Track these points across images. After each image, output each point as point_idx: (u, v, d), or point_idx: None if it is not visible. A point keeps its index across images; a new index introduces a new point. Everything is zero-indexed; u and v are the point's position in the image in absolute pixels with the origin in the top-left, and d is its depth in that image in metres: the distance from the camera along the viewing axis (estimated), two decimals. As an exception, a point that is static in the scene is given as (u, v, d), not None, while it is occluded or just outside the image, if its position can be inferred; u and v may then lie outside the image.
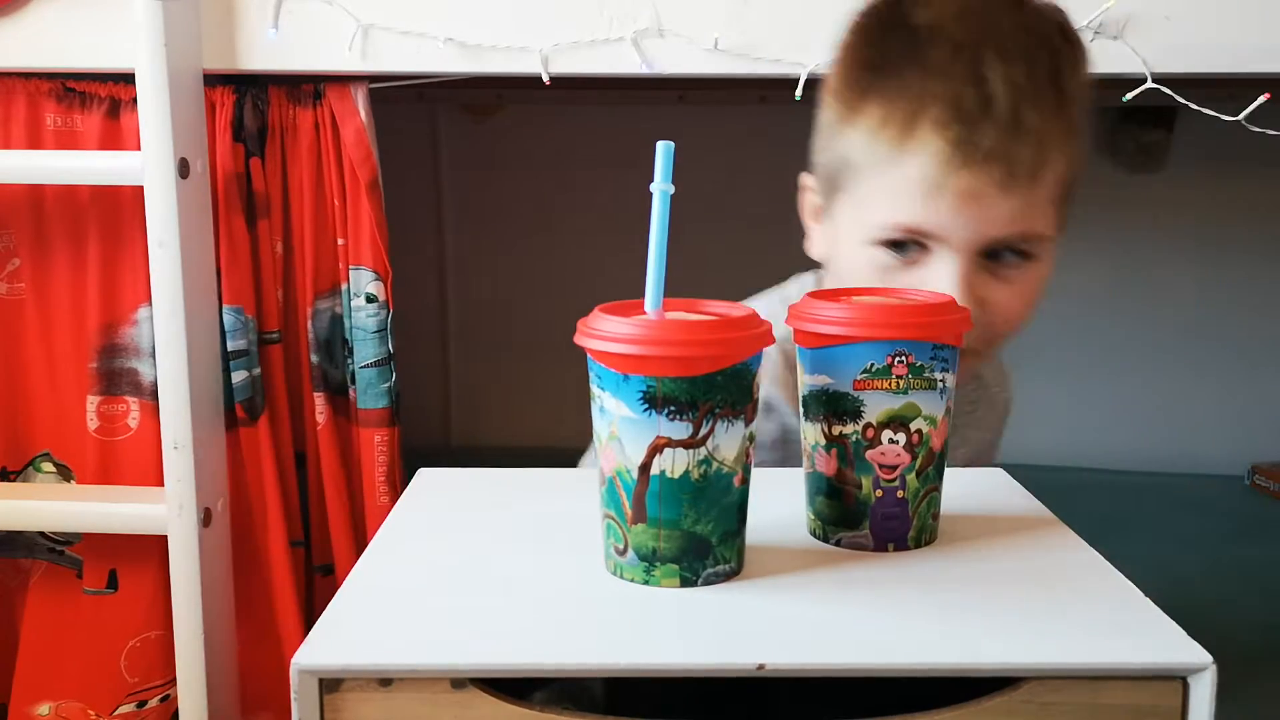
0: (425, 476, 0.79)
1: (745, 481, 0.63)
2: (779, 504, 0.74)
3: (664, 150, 0.62)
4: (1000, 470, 0.83)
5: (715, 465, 0.60)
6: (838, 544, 0.67)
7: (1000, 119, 0.83)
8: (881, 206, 0.87)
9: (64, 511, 1.35)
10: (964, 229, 0.85)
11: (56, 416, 1.45)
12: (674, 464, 0.60)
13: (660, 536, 0.61)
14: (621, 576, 0.62)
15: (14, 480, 1.47)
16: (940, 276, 0.86)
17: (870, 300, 0.70)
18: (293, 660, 0.51)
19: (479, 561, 0.65)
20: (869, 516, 0.66)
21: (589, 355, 0.61)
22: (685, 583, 0.61)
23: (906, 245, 0.87)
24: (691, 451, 0.59)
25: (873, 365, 0.65)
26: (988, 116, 0.83)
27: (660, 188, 0.61)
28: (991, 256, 0.88)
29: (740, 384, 0.60)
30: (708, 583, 0.62)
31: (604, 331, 0.60)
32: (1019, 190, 0.84)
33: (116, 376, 1.41)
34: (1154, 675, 0.52)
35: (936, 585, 0.62)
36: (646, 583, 0.61)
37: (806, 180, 0.99)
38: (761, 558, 0.65)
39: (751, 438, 0.62)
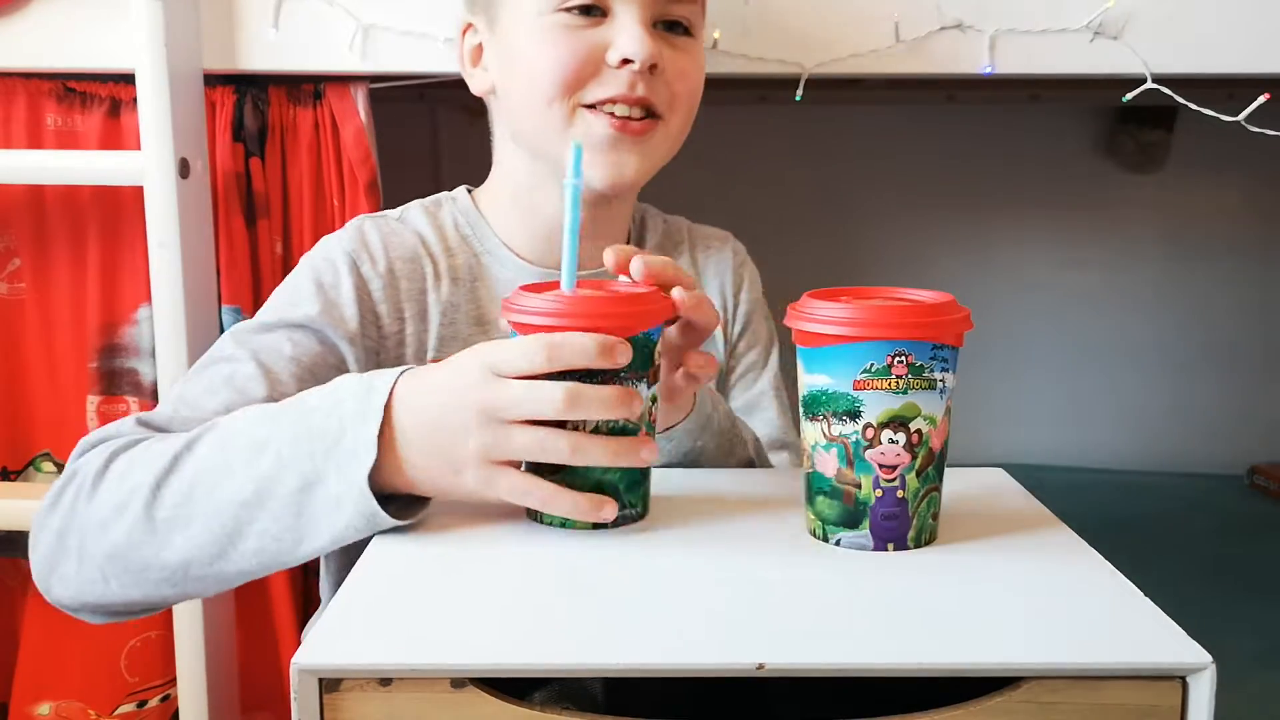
0: None
1: (650, 436, 0.71)
2: (778, 503, 0.74)
3: (575, 149, 0.69)
4: (1000, 470, 0.83)
5: (621, 422, 0.68)
6: (837, 544, 0.67)
7: None
8: None
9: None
10: None
11: (57, 416, 1.45)
12: (585, 420, 0.68)
13: (574, 485, 0.69)
14: (541, 522, 0.71)
15: (14, 480, 1.47)
16: (624, 29, 0.90)
17: (870, 300, 0.70)
18: (292, 660, 0.51)
19: (478, 561, 0.65)
20: (869, 516, 0.66)
21: (513, 328, 0.70)
22: (596, 526, 0.70)
23: (589, 9, 0.90)
24: None
25: (872, 365, 0.65)
26: None
27: (571, 183, 0.69)
28: (664, 28, 0.93)
29: (643, 352, 0.69)
30: (616, 525, 0.70)
31: (524, 306, 0.69)
32: None
33: (116, 376, 1.41)
34: (1154, 675, 0.52)
35: (936, 585, 0.62)
36: (564, 525, 0.70)
37: (466, 20, 0.99)
38: (760, 557, 0.65)
39: (655, 399, 0.71)
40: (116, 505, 0.73)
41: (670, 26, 0.93)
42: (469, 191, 1.04)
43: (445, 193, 1.05)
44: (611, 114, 0.91)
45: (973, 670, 0.52)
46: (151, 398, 1.38)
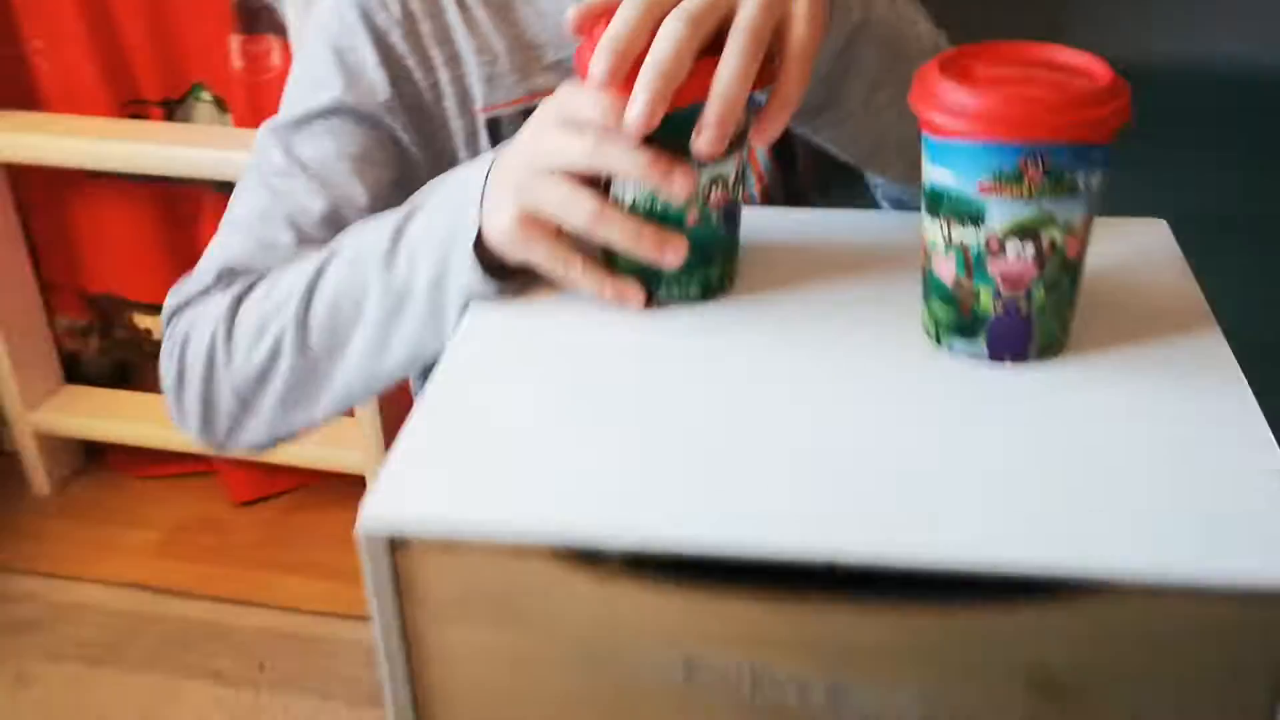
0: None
1: (702, 221, 0.63)
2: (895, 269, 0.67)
3: None
4: (1161, 223, 0.73)
5: (663, 207, 0.62)
6: (950, 349, 0.62)
7: None
8: None
9: (223, 160, 1.38)
10: None
11: (205, 50, 1.45)
12: (625, 193, 0.62)
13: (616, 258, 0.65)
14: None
15: (176, 110, 1.50)
16: None
17: (1016, 68, 0.59)
18: (356, 525, 0.49)
19: (552, 410, 0.59)
20: (986, 330, 0.60)
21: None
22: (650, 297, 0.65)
23: None
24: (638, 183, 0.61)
25: (1002, 168, 0.56)
26: None
27: None
28: None
29: (689, 126, 0.59)
30: (663, 303, 0.65)
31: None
32: None
33: (255, 14, 1.38)
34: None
35: (1047, 429, 0.56)
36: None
37: None
38: (863, 369, 0.61)
39: (717, 179, 0.62)
40: (268, 355, 0.74)
41: None
42: None
43: None
44: None
45: (1062, 573, 0.47)
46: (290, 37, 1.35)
